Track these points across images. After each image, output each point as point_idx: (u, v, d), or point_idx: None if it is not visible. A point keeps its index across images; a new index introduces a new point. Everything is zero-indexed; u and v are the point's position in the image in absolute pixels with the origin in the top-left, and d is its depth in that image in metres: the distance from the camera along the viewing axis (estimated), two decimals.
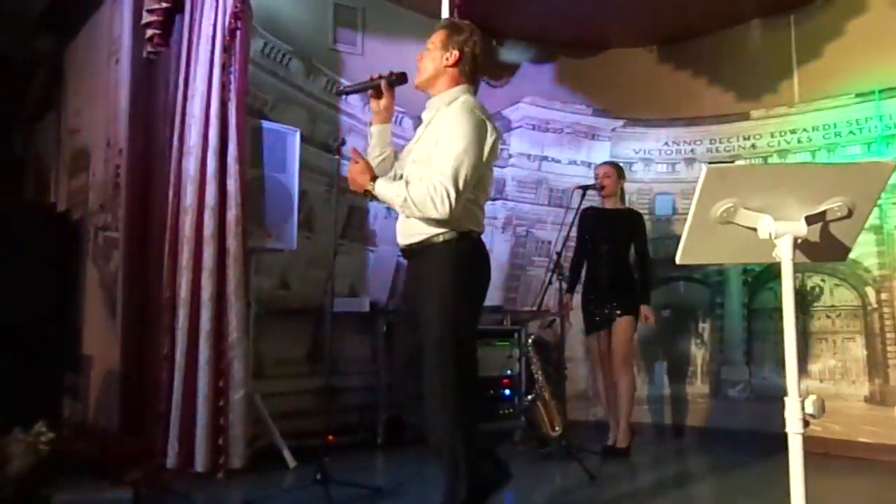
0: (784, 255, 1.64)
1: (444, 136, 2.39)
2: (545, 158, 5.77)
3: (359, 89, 2.69)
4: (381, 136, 2.67)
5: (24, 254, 4.18)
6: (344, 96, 4.56)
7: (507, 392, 4.80)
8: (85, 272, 4.47)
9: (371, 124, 2.69)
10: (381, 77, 2.60)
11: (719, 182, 1.62)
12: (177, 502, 3.13)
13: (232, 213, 3.56)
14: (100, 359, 4.20)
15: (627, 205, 4.70)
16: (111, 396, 3.89)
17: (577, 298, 4.57)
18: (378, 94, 2.61)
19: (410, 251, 2.55)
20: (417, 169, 2.46)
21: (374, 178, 2.45)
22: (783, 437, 1.60)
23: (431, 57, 2.52)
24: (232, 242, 3.55)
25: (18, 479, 2.70)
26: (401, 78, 2.60)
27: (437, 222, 2.40)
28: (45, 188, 5.37)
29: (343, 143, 3.65)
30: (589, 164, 5.64)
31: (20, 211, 4.44)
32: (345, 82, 4.85)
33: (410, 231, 2.50)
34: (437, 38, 2.54)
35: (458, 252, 2.44)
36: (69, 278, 4.55)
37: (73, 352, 4.43)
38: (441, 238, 2.43)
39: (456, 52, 2.50)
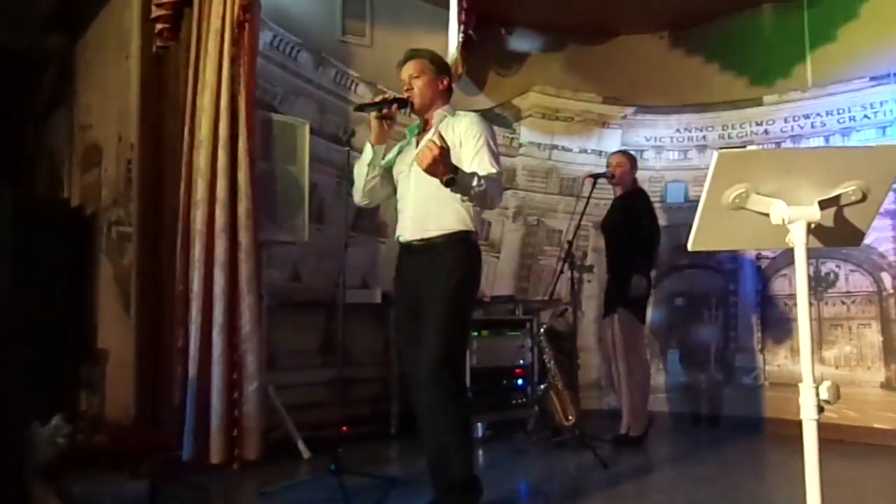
0: (797, 240, 1.62)
1: (467, 139, 2.64)
2: (555, 147, 5.74)
3: (374, 106, 2.75)
4: (377, 156, 2.82)
5: (39, 249, 4.23)
6: (356, 84, 4.66)
7: (520, 381, 4.79)
8: (99, 267, 4.50)
9: (372, 143, 2.79)
10: (393, 100, 2.73)
11: (731, 167, 1.60)
12: (193, 493, 3.16)
13: (243, 206, 3.56)
14: (115, 352, 4.23)
15: None
16: (126, 389, 3.92)
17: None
18: (388, 115, 2.74)
19: (421, 246, 2.69)
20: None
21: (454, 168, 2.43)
22: (797, 425, 1.59)
23: (429, 83, 2.76)
24: (243, 235, 3.56)
25: (38, 471, 2.74)
26: (406, 104, 2.76)
27: (458, 219, 2.64)
28: (59, 184, 5.40)
29: (353, 134, 3.65)
30: (600, 153, 5.61)
31: (34, 207, 4.48)
32: (352, 73, 4.87)
33: (426, 227, 2.67)
34: (426, 66, 2.77)
35: (471, 247, 2.71)
36: (83, 273, 4.59)
37: (88, 346, 4.47)
38: (459, 235, 2.66)
39: (447, 78, 2.83)
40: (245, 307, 3.54)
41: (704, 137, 5.45)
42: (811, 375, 1.58)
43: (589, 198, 4.34)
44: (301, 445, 3.74)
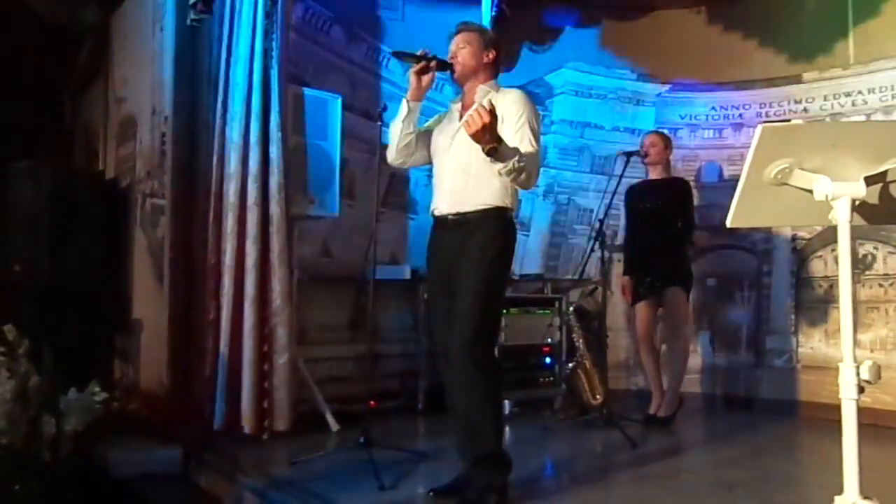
0: (841, 217, 1.58)
1: (510, 116, 2.59)
2: (588, 125, 5.67)
3: (413, 58, 2.75)
4: (415, 113, 2.80)
5: (75, 221, 4.29)
6: (388, 59, 4.63)
7: (548, 360, 4.78)
8: (133, 238, 4.56)
9: (408, 99, 2.78)
10: (434, 57, 2.73)
11: (774, 141, 1.56)
12: (224, 462, 3.21)
13: (274, 180, 3.58)
14: (148, 323, 4.30)
15: (673, 174, 4.59)
16: (160, 359, 3.99)
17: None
18: (425, 70, 2.73)
19: (457, 220, 2.67)
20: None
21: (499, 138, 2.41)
22: (831, 408, 1.56)
23: (472, 53, 2.73)
24: (275, 209, 3.58)
25: (74, 437, 2.80)
26: (446, 66, 2.76)
27: (496, 195, 2.62)
28: (94, 156, 5.47)
29: (385, 109, 3.63)
30: (633, 131, 5.53)
31: (71, 179, 4.54)
32: (386, 49, 4.82)
33: (463, 201, 2.65)
34: (473, 38, 2.76)
35: (507, 224, 2.68)
36: (118, 244, 4.65)
37: (123, 316, 4.55)
38: (495, 211, 2.63)
39: (493, 52, 2.78)
40: (276, 280, 3.57)
41: (741, 116, 5.34)
42: (852, 354, 1.55)
43: (621, 176, 4.28)
44: (330, 418, 3.78)
